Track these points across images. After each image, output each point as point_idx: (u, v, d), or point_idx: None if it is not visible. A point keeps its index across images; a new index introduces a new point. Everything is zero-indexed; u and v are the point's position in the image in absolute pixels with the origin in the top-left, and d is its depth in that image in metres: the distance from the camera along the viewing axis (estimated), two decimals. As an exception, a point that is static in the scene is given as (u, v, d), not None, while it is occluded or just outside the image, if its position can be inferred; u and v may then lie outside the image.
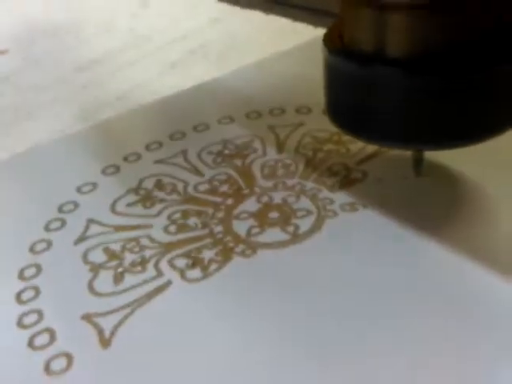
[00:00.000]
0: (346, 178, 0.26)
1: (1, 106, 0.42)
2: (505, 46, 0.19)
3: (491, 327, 0.19)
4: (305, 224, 0.24)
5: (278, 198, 0.25)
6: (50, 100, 0.42)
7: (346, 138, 0.27)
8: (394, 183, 0.25)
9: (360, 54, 0.20)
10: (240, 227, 0.24)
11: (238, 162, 0.28)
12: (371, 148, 0.27)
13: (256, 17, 0.49)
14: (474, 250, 0.21)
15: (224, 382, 0.18)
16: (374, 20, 0.19)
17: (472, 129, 0.20)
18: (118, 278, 0.22)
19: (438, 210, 0.23)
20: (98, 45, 0.52)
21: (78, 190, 0.28)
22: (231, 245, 0.23)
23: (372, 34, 0.20)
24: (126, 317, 0.21)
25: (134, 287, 0.22)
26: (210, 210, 0.25)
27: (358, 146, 0.27)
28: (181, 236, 0.24)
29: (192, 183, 0.27)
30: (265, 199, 0.25)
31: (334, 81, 0.22)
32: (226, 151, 0.29)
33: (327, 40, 0.22)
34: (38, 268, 0.23)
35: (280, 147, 0.29)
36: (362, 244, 0.22)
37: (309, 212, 0.24)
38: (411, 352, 0.18)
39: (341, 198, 0.25)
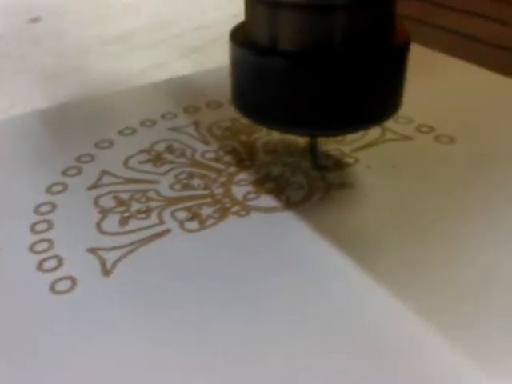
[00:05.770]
0: (339, 161, 0.28)
1: (24, 68, 0.45)
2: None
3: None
4: (297, 196, 0.26)
5: (276, 171, 0.28)
6: (75, 67, 0.45)
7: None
8: (382, 170, 0.27)
9: (258, 46, 0.23)
10: (238, 192, 0.26)
11: (244, 137, 0.30)
12: (367, 138, 0.30)
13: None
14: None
15: (213, 315, 0.21)
16: (268, 16, 0.22)
17: (353, 115, 0.23)
18: (124, 222, 0.25)
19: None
20: (124, 23, 0.54)
21: (96, 145, 0.30)
22: (228, 205, 0.26)
23: (267, 29, 0.22)
24: (126, 254, 0.23)
25: (136, 230, 0.24)
26: (213, 175, 0.28)
27: (355, 136, 0.30)
28: (184, 193, 0.26)
29: (200, 151, 0.29)
30: (264, 171, 0.28)
31: (237, 71, 0.24)
32: (234, 127, 0.31)
33: (233, 34, 0.24)
34: (53, 206, 0.26)
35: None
36: (345, 218, 0.25)
37: (301, 186, 0.27)
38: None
39: (331, 177, 0.27)
